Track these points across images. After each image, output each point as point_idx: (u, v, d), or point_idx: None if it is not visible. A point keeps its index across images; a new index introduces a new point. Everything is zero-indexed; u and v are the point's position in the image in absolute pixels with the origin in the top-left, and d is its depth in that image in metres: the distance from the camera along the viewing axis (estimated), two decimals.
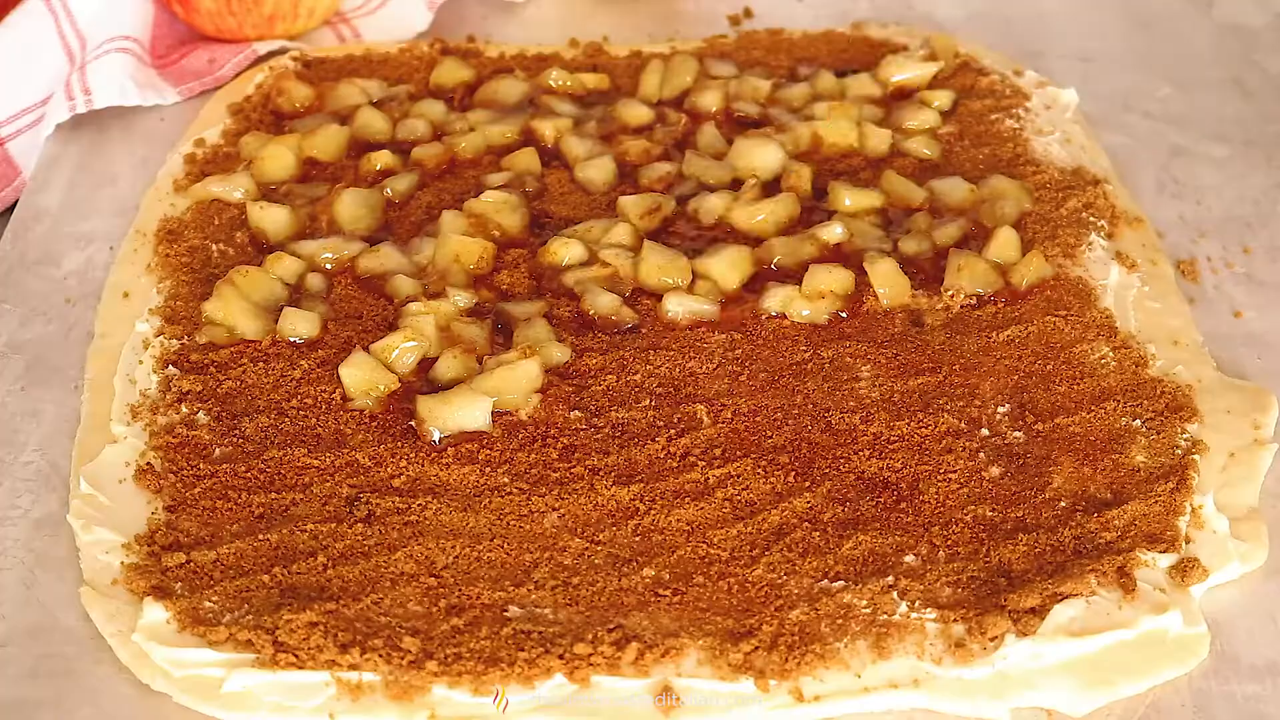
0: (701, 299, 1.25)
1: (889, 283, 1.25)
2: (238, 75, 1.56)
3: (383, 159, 1.41)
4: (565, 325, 1.24)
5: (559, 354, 1.20)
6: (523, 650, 0.99)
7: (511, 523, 1.08)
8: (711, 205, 1.34)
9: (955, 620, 1.01)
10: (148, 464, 1.12)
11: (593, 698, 0.98)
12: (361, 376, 1.17)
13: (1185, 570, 1.04)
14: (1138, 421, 1.15)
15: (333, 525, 1.08)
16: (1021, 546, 1.06)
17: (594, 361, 1.20)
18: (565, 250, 1.29)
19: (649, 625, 1.01)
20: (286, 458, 1.12)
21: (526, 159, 1.41)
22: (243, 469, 1.11)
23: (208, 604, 1.02)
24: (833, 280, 1.25)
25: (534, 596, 1.03)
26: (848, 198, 1.35)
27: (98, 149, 1.48)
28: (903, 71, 1.51)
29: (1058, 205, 1.35)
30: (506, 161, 1.41)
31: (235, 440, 1.14)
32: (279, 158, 1.40)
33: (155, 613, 1.01)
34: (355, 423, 1.15)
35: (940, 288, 1.26)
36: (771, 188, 1.37)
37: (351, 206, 1.35)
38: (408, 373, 1.19)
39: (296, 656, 0.98)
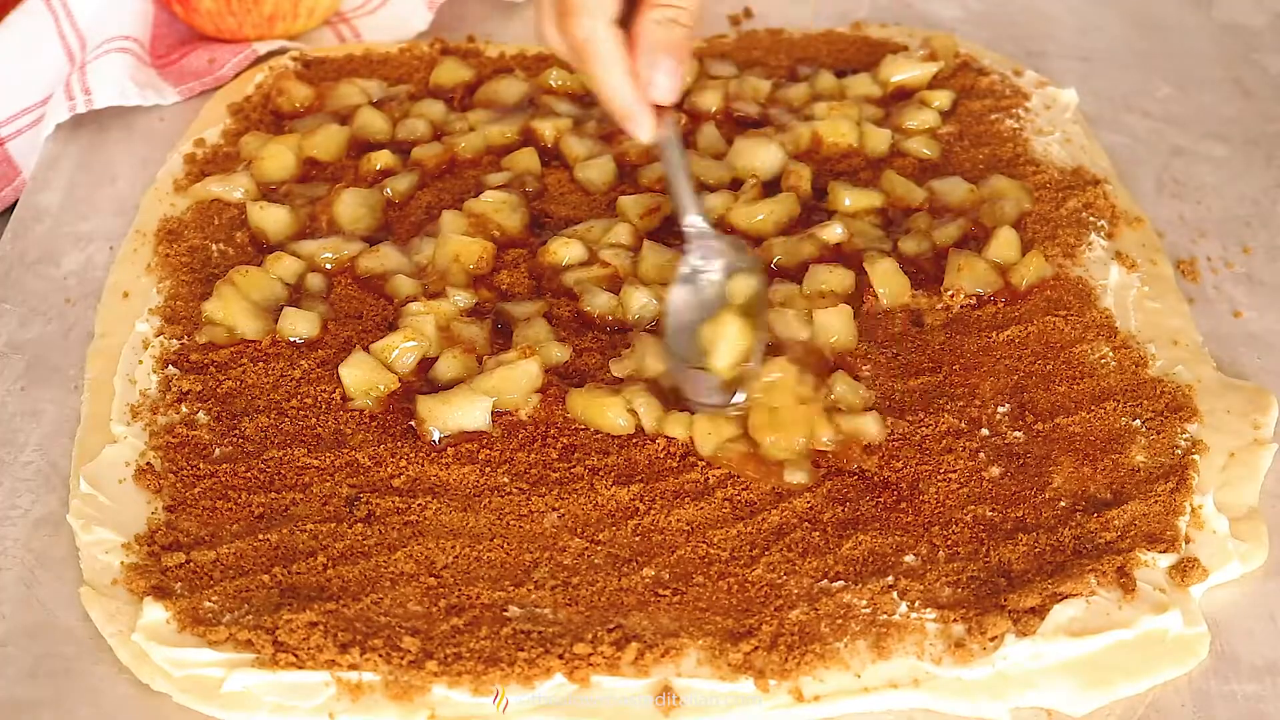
0: None
1: (889, 282, 1.25)
2: (238, 75, 1.56)
3: (383, 159, 1.41)
4: (565, 325, 1.24)
5: (559, 354, 1.20)
6: (523, 650, 0.99)
7: (511, 523, 1.08)
8: (711, 205, 1.34)
9: (955, 620, 1.01)
10: (148, 464, 1.12)
11: (593, 698, 0.98)
12: (361, 376, 1.17)
13: (1185, 570, 1.04)
14: (1138, 421, 1.15)
15: (333, 525, 1.08)
16: (1021, 546, 1.06)
17: (594, 361, 1.20)
18: (565, 250, 1.29)
19: (649, 625, 1.01)
20: (286, 458, 1.12)
21: (526, 159, 1.41)
22: (243, 469, 1.11)
23: (208, 604, 1.02)
24: (833, 280, 1.25)
25: (534, 596, 1.03)
26: (848, 198, 1.35)
27: (98, 149, 1.48)
28: (903, 71, 1.51)
29: (1058, 205, 1.35)
30: (506, 161, 1.41)
31: (235, 440, 1.14)
32: (279, 158, 1.40)
33: (155, 613, 1.01)
34: (355, 423, 1.15)
35: (940, 288, 1.26)
36: (771, 188, 1.37)
37: (351, 206, 1.35)
38: (408, 373, 1.19)
39: (296, 656, 0.98)
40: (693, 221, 1.18)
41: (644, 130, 1.13)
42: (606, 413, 1.14)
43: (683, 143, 1.22)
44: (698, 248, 1.18)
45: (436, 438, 1.14)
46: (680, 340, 1.15)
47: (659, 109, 1.14)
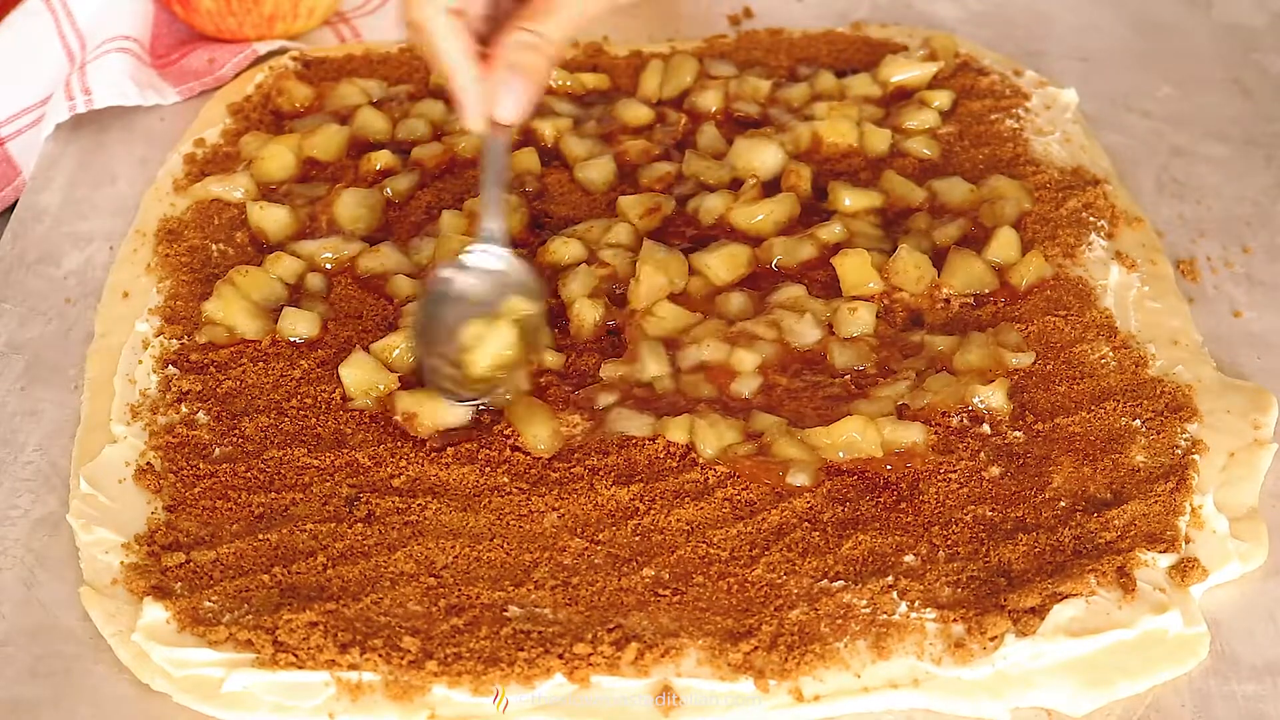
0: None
1: (856, 274, 1.25)
2: (238, 75, 1.56)
3: (383, 159, 1.41)
4: (564, 326, 1.24)
5: (557, 355, 1.20)
6: (522, 650, 0.99)
7: (511, 523, 1.08)
8: (711, 205, 1.34)
9: (955, 620, 1.01)
10: (148, 464, 1.12)
11: (592, 698, 0.98)
12: (361, 376, 1.17)
13: (1185, 570, 1.04)
14: (1138, 421, 1.15)
15: (333, 525, 1.08)
16: (1021, 546, 1.06)
17: (594, 361, 1.20)
18: (565, 250, 1.29)
19: (649, 625, 1.01)
20: (286, 458, 1.12)
21: (526, 159, 1.41)
22: (243, 469, 1.11)
23: (208, 604, 1.02)
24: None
25: (534, 596, 1.03)
26: (848, 198, 1.35)
27: (98, 149, 1.48)
28: (903, 71, 1.51)
29: (1058, 205, 1.35)
30: None
31: (235, 440, 1.14)
32: (279, 158, 1.40)
33: (155, 613, 1.01)
34: (355, 423, 1.15)
35: (940, 287, 1.27)
36: (771, 188, 1.37)
37: (351, 206, 1.35)
38: (408, 373, 1.19)
39: (296, 656, 0.98)
40: (490, 229, 1.17)
41: (471, 116, 1.11)
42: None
43: (509, 157, 1.23)
44: (488, 250, 1.17)
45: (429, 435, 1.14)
46: (436, 325, 1.15)
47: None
